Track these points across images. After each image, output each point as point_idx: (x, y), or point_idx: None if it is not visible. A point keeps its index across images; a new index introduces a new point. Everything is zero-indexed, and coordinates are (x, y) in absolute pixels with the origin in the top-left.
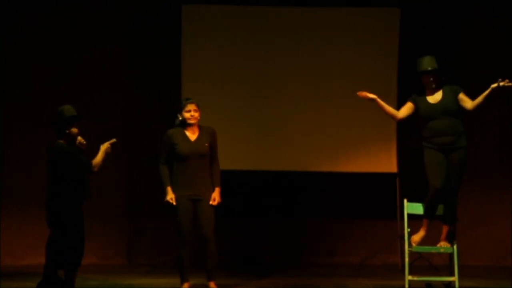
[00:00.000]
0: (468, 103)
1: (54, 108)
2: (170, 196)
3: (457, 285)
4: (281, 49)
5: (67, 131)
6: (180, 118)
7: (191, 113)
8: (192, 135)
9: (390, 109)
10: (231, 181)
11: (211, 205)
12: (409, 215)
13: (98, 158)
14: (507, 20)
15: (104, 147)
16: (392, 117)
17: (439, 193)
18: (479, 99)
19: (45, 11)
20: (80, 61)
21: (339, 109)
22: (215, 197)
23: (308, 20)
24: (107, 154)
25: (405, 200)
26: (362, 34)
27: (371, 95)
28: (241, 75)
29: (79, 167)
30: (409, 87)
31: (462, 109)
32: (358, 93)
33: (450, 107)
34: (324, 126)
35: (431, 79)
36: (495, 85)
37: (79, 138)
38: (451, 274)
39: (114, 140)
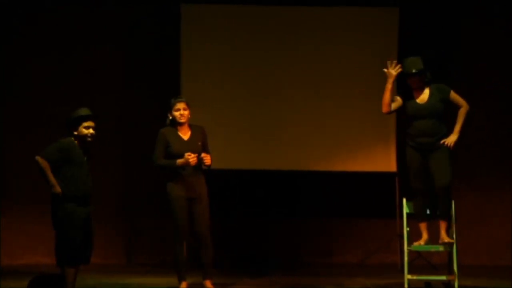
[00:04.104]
0: (460, 104)
1: (54, 108)
2: (185, 157)
3: (456, 284)
4: (280, 48)
5: (75, 132)
6: (170, 118)
7: (180, 112)
8: (184, 134)
9: (389, 96)
10: (230, 181)
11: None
12: (408, 214)
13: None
14: (507, 20)
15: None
16: (386, 105)
17: (424, 194)
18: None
19: (45, 11)
20: (80, 61)
21: (339, 108)
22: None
23: (308, 19)
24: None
25: (404, 199)
26: (362, 34)
27: (392, 76)
28: (240, 75)
29: (76, 166)
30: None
31: (447, 108)
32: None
33: (436, 109)
34: (324, 125)
35: (416, 80)
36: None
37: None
38: (450, 273)
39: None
